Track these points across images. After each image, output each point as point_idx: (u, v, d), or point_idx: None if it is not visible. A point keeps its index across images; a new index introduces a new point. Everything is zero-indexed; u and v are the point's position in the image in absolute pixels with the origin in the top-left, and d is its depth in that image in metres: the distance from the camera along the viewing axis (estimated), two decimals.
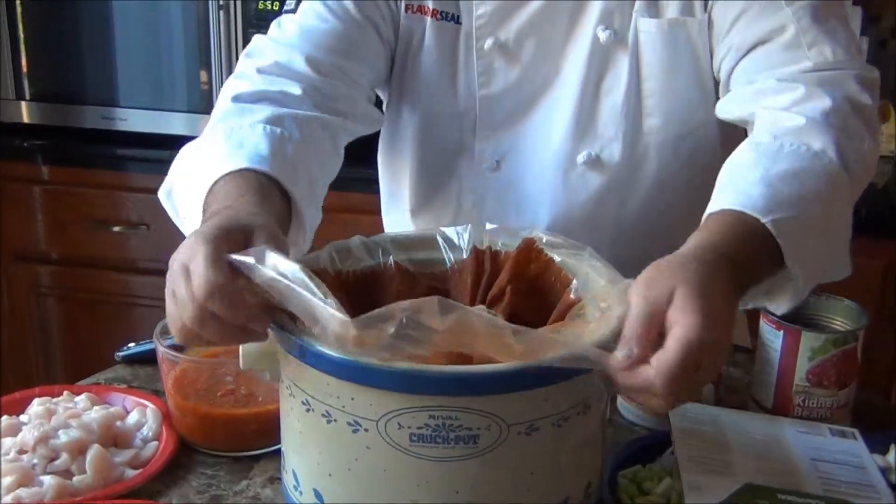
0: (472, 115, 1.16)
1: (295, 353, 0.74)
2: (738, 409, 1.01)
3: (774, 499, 0.80)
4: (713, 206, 0.88)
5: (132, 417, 0.95)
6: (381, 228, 1.32)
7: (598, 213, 1.15)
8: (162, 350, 0.92)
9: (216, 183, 0.89)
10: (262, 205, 0.86)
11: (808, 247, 0.87)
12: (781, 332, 0.96)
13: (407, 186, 1.23)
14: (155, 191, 2.09)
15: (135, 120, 2.09)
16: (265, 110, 1.00)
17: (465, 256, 0.92)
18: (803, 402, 0.96)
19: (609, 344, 0.72)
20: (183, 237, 0.82)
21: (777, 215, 0.85)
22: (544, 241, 0.90)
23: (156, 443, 0.92)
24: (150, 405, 0.97)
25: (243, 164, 0.90)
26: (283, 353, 0.77)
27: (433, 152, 1.20)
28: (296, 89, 1.04)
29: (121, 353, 1.11)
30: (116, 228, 2.11)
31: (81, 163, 2.10)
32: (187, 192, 0.94)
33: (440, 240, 0.93)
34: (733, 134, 1.09)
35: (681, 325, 0.70)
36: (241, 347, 0.79)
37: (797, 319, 0.99)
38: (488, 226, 0.92)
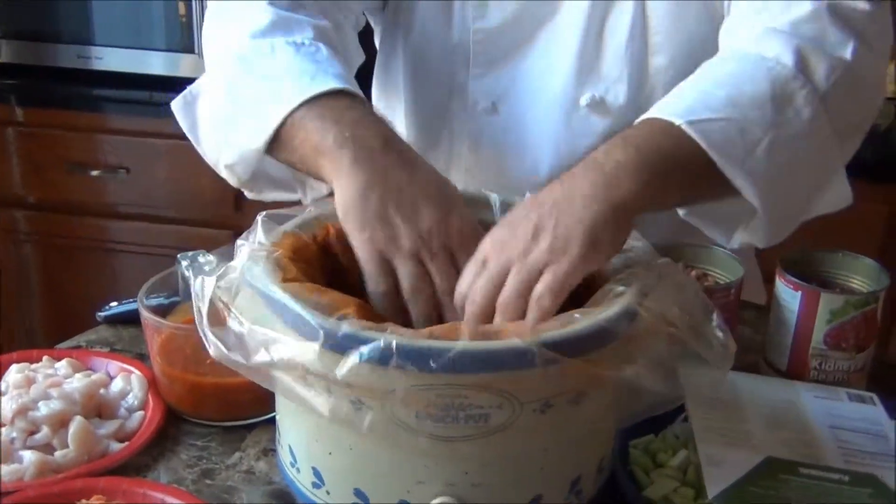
0: (466, 50, 1.09)
1: (292, 326, 0.69)
2: (751, 370, 0.97)
3: (796, 473, 0.76)
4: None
5: (116, 385, 0.90)
6: None
7: None
8: (146, 315, 0.87)
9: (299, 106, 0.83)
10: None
11: (751, 154, 0.80)
12: (799, 292, 0.91)
13: (401, 122, 1.17)
14: (133, 133, 2.04)
15: (111, 59, 2.01)
16: (305, 31, 0.93)
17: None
18: (820, 366, 0.92)
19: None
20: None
21: (696, 116, 0.79)
22: None
23: (141, 412, 0.88)
24: (136, 371, 0.92)
25: (338, 85, 0.84)
26: (281, 324, 0.71)
27: (426, 91, 1.14)
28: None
29: (103, 314, 1.05)
30: (95, 172, 2.04)
31: (57, 104, 2.03)
32: (243, 106, 0.89)
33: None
34: None
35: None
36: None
37: (814, 278, 0.95)
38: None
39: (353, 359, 0.66)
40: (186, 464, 0.83)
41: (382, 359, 0.65)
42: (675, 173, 0.78)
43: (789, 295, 0.92)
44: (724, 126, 0.80)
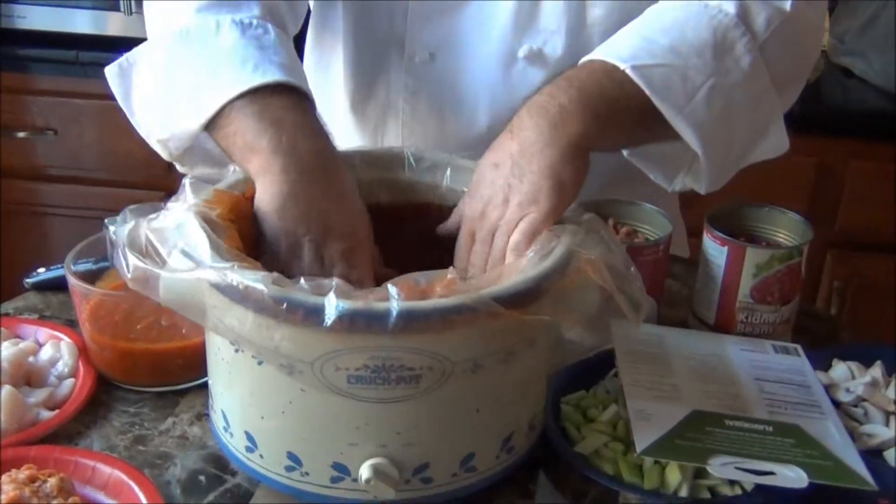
0: (404, 3, 1.08)
1: (221, 289, 0.69)
2: (680, 325, 0.99)
3: (722, 425, 0.78)
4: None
5: (45, 352, 0.89)
6: None
7: None
8: (73, 282, 0.86)
9: (246, 94, 0.82)
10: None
11: (692, 100, 0.83)
12: (726, 247, 0.93)
13: (340, 81, 1.16)
14: (60, 94, 1.99)
15: (35, 17, 1.95)
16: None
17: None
18: (746, 319, 0.94)
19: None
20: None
21: (640, 62, 0.82)
22: None
23: (72, 380, 0.86)
24: (65, 338, 0.91)
25: (280, 77, 0.83)
26: (209, 288, 0.71)
27: (364, 42, 1.12)
28: None
29: (30, 280, 1.03)
30: (21, 134, 1.98)
31: None
32: (181, 85, 0.87)
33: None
34: None
35: None
36: (161, 279, 0.73)
37: (740, 233, 0.96)
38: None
39: (284, 324, 0.66)
40: (119, 430, 0.83)
41: (313, 321, 0.65)
42: (618, 115, 0.81)
43: (716, 250, 0.94)
44: (665, 72, 0.82)
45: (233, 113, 0.82)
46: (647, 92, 0.81)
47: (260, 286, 0.66)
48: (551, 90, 0.81)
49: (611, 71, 0.82)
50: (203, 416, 0.84)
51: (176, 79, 0.88)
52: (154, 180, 1.98)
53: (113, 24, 1.95)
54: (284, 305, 0.65)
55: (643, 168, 0.94)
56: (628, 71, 0.81)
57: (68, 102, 1.95)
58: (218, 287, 0.68)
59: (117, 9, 1.92)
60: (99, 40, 1.93)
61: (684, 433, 0.77)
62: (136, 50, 0.93)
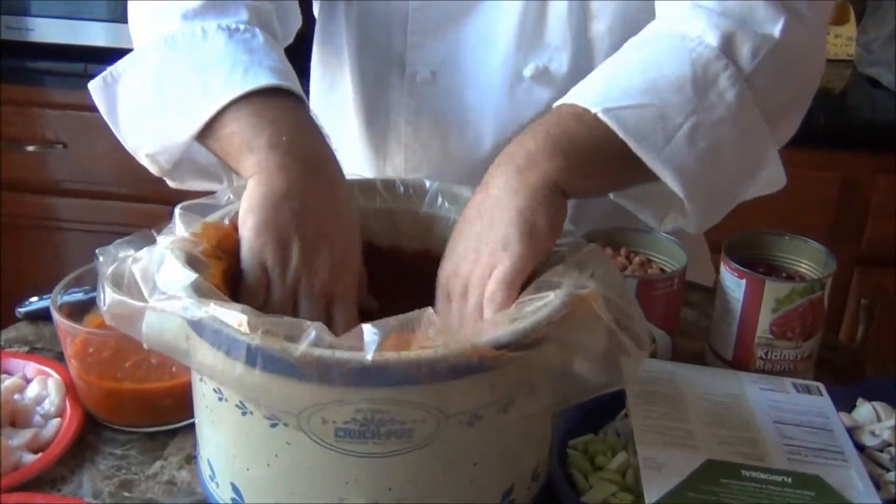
0: (404, 17, 1.04)
1: (203, 336, 0.65)
2: (697, 358, 0.95)
3: (739, 476, 0.74)
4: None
5: (32, 389, 0.86)
6: None
7: None
8: (58, 319, 0.82)
9: (238, 101, 0.79)
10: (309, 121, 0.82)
11: (671, 140, 0.77)
12: (744, 280, 0.88)
13: (345, 101, 1.12)
14: (70, 107, 1.96)
15: (46, 29, 1.92)
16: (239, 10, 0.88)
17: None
18: (766, 355, 0.89)
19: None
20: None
21: (612, 104, 0.76)
22: None
23: (58, 419, 0.83)
24: (53, 374, 0.87)
25: (273, 81, 0.80)
26: (192, 333, 0.67)
27: (364, 61, 1.08)
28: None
29: (22, 309, 1.00)
30: (31, 147, 1.96)
31: None
32: (170, 95, 0.84)
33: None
34: None
35: None
36: (144, 324, 0.69)
37: (759, 263, 0.92)
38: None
39: (262, 372, 0.62)
40: (105, 475, 0.79)
41: (294, 372, 0.61)
42: (592, 158, 0.76)
43: (733, 282, 0.89)
44: (641, 113, 0.77)
45: (227, 115, 0.79)
46: (621, 135, 0.75)
47: (238, 333, 0.62)
48: (520, 138, 0.77)
49: (580, 114, 0.77)
50: (192, 459, 0.80)
51: (164, 89, 0.85)
52: (165, 194, 1.92)
53: (125, 36, 1.91)
54: (256, 350, 0.61)
55: (631, 208, 0.88)
56: (599, 114, 0.75)
57: (78, 115, 1.93)
58: (196, 330, 0.65)
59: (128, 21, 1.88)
60: (110, 52, 1.89)
61: (698, 485, 0.72)
62: (120, 62, 0.90)
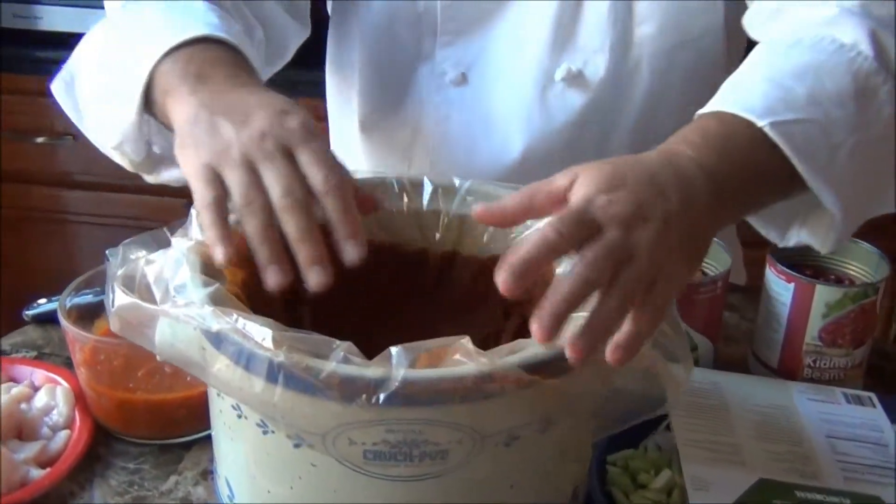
0: (434, 16, 0.99)
1: (220, 348, 0.60)
2: (738, 365, 0.90)
3: (793, 497, 0.69)
4: (705, 108, 0.72)
5: (40, 399, 0.81)
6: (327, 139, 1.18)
7: (579, 139, 1.00)
8: (66, 326, 0.78)
9: (170, 53, 0.72)
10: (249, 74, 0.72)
11: (833, 159, 0.70)
12: (792, 284, 0.83)
13: (357, 96, 1.07)
14: None
15: (54, 18, 1.88)
16: None
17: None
18: (814, 363, 0.84)
19: None
20: None
21: (779, 117, 0.68)
22: None
23: (67, 431, 0.79)
24: (62, 383, 0.83)
25: (201, 32, 0.73)
26: (208, 346, 0.62)
27: (388, 59, 1.03)
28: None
29: (30, 312, 0.96)
30: (39, 139, 1.92)
31: None
32: (109, 74, 0.78)
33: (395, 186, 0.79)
34: (741, 43, 0.94)
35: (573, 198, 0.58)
36: (156, 332, 0.65)
37: (806, 266, 0.87)
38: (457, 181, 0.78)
39: (285, 390, 0.57)
40: (116, 491, 0.75)
41: (321, 390, 0.56)
42: (752, 183, 0.68)
43: (781, 287, 0.84)
44: (807, 128, 0.69)
45: (157, 77, 0.72)
46: (788, 152, 0.68)
47: (260, 348, 0.57)
48: (700, 144, 0.66)
49: (746, 127, 0.68)
50: (209, 475, 0.76)
51: (106, 72, 0.79)
52: (178, 188, 1.90)
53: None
54: (280, 367, 0.56)
55: (753, 223, 0.79)
56: (766, 129, 0.67)
57: None
58: (213, 342, 0.60)
59: None
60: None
61: None
62: (72, 58, 0.85)
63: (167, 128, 0.74)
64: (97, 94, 0.81)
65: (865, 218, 0.77)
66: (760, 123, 0.67)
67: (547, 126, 0.98)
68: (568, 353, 0.55)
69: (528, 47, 0.97)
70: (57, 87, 0.86)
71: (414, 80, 1.03)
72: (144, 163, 0.83)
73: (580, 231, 0.56)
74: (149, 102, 0.74)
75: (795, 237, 0.77)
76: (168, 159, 0.83)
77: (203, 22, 0.75)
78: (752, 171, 0.67)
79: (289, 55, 1.00)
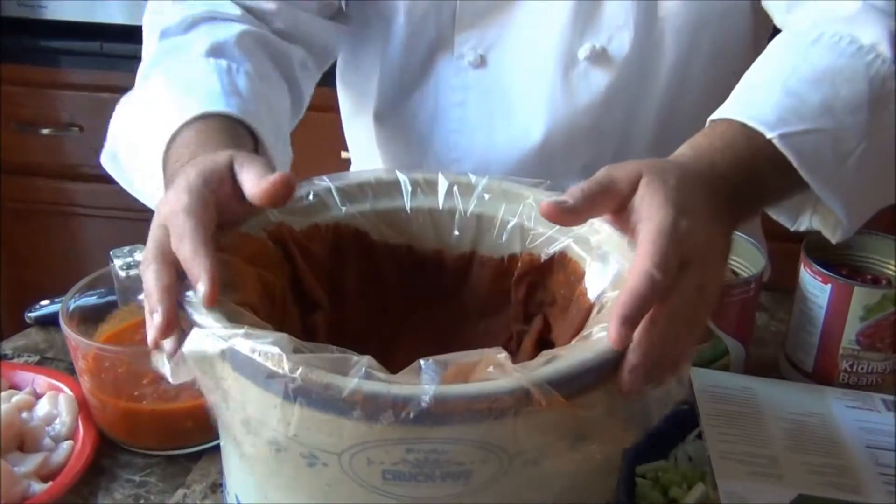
0: (452, 2, 0.96)
1: (233, 364, 0.57)
2: (770, 368, 0.86)
3: None
4: (718, 112, 0.71)
5: (42, 408, 0.78)
6: (340, 129, 1.16)
7: (603, 120, 0.96)
8: (66, 331, 0.74)
9: (173, 139, 0.72)
10: (235, 144, 0.71)
11: (841, 167, 0.70)
12: (829, 285, 0.79)
13: (374, 88, 1.03)
14: (85, 87, 1.89)
15: (60, 6, 1.83)
16: (201, 40, 0.83)
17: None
18: (851, 368, 0.81)
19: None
20: None
21: (789, 129, 0.67)
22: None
23: (70, 442, 0.75)
24: (65, 390, 0.80)
25: (197, 111, 0.73)
26: (218, 359, 0.59)
27: (407, 47, 1.00)
28: (230, 7, 0.88)
29: (32, 314, 0.93)
30: (45, 131, 1.88)
31: (1, 57, 1.86)
32: (136, 157, 0.78)
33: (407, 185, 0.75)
34: (768, 21, 0.90)
35: (650, 220, 0.56)
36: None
37: (842, 264, 0.83)
38: (473, 177, 0.74)
39: (303, 409, 0.53)
40: None
41: (341, 408, 0.53)
42: (755, 189, 0.67)
43: (816, 287, 0.80)
44: (816, 139, 0.69)
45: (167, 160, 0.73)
46: (795, 164, 0.68)
47: (271, 357, 0.53)
48: (709, 154, 0.65)
49: (755, 137, 0.68)
50: (218, 488, 0.73)
51: (133, 151, 0.81)
52: None
53: (142, 13, 1.83)
54: (297, 382, 0.53)
55: (767, 209, 0.79)
56: (775, 141, 0.67)
57: (94, 97, 1.85)
58: (224, 355, 0.56)
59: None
60: (127, 30, 1.82)
61: None
62: (109, 131, 0.87)
63: None
64: (135, 168, 0.82)
65: (872, 213, 0.77)
66: (769, 135, 0.67)
67: (570, 108, 0.95)
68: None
69: (550, 26, 0.94)
70: (105, 160, 0.88)
71: (431, 66, 1.00)
72: None
73: (676, 262, 0.54)
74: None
75: (807, 223, 0.77)
76: None
77: (198, 100, 0.75)
78: (764, 183, 0.68)
79: (336, 53, 1.03)
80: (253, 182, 0.61)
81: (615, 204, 0.59)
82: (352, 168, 1.17)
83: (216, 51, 0.83)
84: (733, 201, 0.62)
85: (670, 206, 0.56)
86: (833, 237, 0.76)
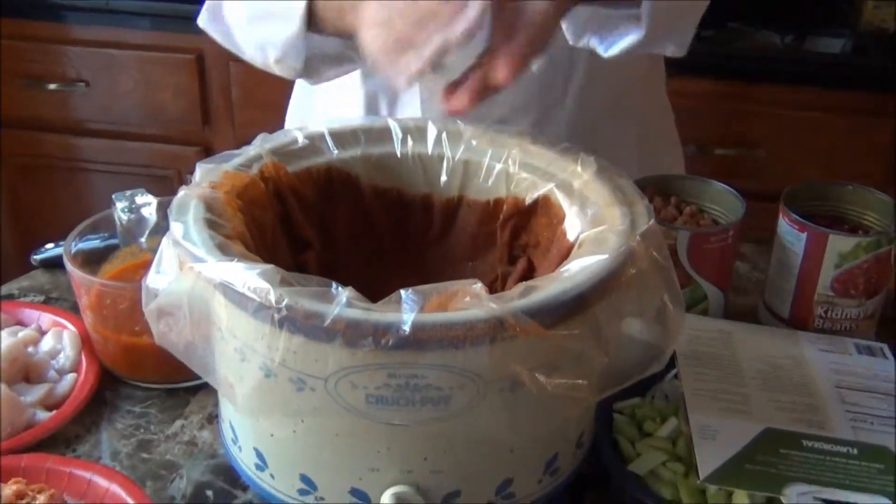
0: None
1: (225, 296, 0.60)
2: (749, 314, 0.89)
3: (799, 446, 0.68)
4: None
5: (46, 343, 0.81)
6: None
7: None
8: (71, 269, 0.78)
9: None
10: None
11: None
12: (805, 234, 0.82)
13: None
14: (91, 43, 1.90)
15: None
16: None
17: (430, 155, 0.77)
18: (825, 314, 0.83)
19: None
20: None
21: None
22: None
23: (73, 375, 0.79)
24: (69, 327, 0.83)
25: None
26: (212, 293, 0.62)
27: None
28: None
29: (38, 256, 0.96)
30: (52, 86, 1.91)
31: (8, 13, 1.88)
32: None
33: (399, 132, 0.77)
34: None
35: None
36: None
37: (820, 215, 0.85)
38: (461, 124, 0.76)
39: (289, 335, 0.57)
40: (122, 434, 0.75)
41: (325, 335, 0.56)
42: None
43: (793, 236, 0.83)
44: None
45: None
46: None
47: (259, 288, 0.57)
48: None
49: None
50: (214, 419, 0.76)
51: None
52: (189, 135, 1.90)
53: None
54: (283, 312, 0.56)
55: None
56: None
57: (101, 52, 1.87)
58: (215, 286, 0.59)
59: None
60: None
61: (755, 456, 0.67)
62: None
63: (331, 32, 0.80)
64: (253, 17, 0.85)
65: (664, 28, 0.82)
66: None
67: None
68: None
69: None
70: (204, 20, 0.90)
71: None
72: (306, 69, 0.86)
73: None
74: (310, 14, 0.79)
75: (586, 40, 0.84)
76: (333, 59, 0.87)
77: None
78: None
79: None
80: None
81: None
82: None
83: None
84: None
85: None
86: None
